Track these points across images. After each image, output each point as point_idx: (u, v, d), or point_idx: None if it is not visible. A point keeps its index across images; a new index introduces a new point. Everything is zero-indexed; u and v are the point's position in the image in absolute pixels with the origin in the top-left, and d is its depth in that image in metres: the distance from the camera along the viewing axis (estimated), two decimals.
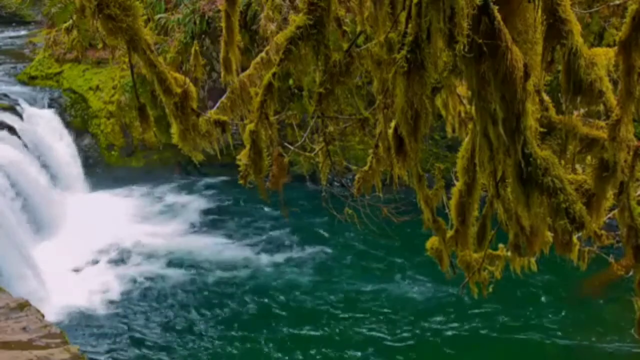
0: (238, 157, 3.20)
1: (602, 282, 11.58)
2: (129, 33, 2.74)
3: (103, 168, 17.25)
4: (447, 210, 3.43)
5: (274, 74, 3.04)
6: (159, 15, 16.59)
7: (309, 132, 3.77)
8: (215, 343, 11.17)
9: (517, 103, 2.43)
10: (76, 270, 13.32)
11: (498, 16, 2.36)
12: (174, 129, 3.09)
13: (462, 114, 3.55)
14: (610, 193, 2.97)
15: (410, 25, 2.40)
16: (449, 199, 3.40)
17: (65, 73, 18.21)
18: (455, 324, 11.32)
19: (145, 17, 2.82)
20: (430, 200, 3.49)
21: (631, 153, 2.84)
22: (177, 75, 3.01)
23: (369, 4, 2.82)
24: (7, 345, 7.58)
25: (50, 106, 17.42)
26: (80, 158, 16.97)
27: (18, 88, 17.77)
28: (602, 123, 2.98)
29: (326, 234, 14.21)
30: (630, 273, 3.16)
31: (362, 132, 3.96)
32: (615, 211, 3.00)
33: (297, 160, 4.13)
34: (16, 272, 11.83)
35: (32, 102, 16.99)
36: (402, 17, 2.54)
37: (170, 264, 13.53)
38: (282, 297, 12.37)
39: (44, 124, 16.61)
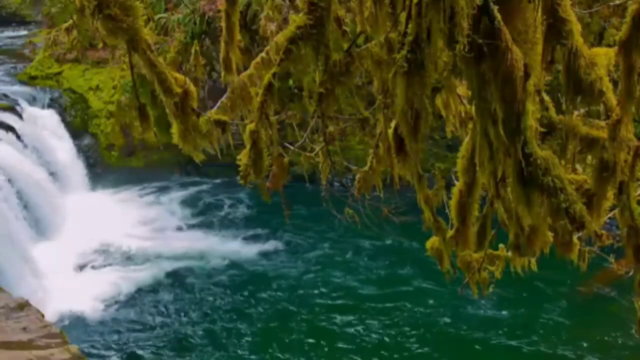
0: (238, 157, 3.20)
1: (602, 282, 11.58)
2: (129, 33, 2.73)
3: (103, 168, 17.25)
4: (447, 210, 3.43)
5: (274, 74, 3.03)
6: (159, 15, 16.59)
7: (309, 132, 3.77)
8: (215, 343, 11.17)
9: (517, 103, 2.43)
10: (76, 270, 13.33)
11: (498, 16, 2.36)
12: (174, 129, 3.09)
13: (462, 114, 3.54)
14: (610, 193, 2.96)
15: (410, 25, 2.40)
16: (449, 198, 3.39)
17: (65, 73, 18.21)
18: (456, 324, 11.31)
19: (145, 17, 2.81)
20: (430, 200, 3.48)
21: (631, 153, 2.84)
22: (177, 75, 3.00)
23: (369, 4, 2.82)
24: (7, 345, 7.58)
25: (50, 106, 17.43)
26: (80, 158, 16.97)
27: (18, 88, 17.77)
28: (602, 123, 2.98)
29: (326, 234, 14.21)
30: (631, 273, 3.16)
31: (362, 132, 3.96)
32: (616, 211, 3.00)
33: (297, 160, 4.13)
34: (16, 272, 11.83)
35: (32, 102, 16.99)
36: (402, 17, 2.54)
37: (171, 264, 13.53)
38: (282, 297, 12.37)
39: (44, 124, 16.61)
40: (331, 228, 13.98)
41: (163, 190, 16.75)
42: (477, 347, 10.82)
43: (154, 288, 12.74)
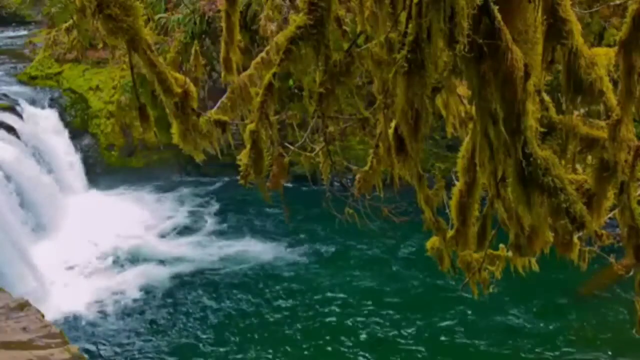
0: (238, 157, 3.20)
1: (603, 282, 11.58)
2: (129, 33, 2.74)
3: (103, 168, 17.25)
4: (447, 210, 3.43)
5: (274, 74, 3.04)
6: (159, 15, 16.60)
7: (309, 132, 3.77)
8: (214, 343, 11.17)
9: (518, 103, 2.43)
10: (76, 270, 13.32)
11: (498, 16, 2.36)
12: (175, 129, 3.10)
13: (463, 114, 3.55)
14: (610, 193, 2.97)
15: (410, 25, 2.40)
16: (449, 198, 3.40)
17: (65, 73, 18.21)
18: (456, 324, 11.31)
19: (145, 17, 2.82)
20: (430, 200, 3.49)
21: (631, 153, 2.84)
22: (177, 75, 3.01)
23: (369, 3, 2.82)
24: (7, 345, 7.58)
25: (50, 106, 17.42)
26: (80, 158, 16.97)
27: (18, 88, 17.76)
28: (603, 123, 2.98)
29: (326, 234, 14.20)
30: (631, 273, 3.16)
31: (362, 132, 3.97)
32: (616, 211, 3.00)
33: (297, 160, 4.13)
34: (16, 272, 11.83)
35: (32, 102, 16.99)
36: (403, 17, 2.54)
37: (170, 264, 13.52)
38: (281, 297, 12.36)
39: (44, 124, 16.61)
40: (331, 228, 13.96)
41: (163, 190, 16.75)
42: (473, 344, 10.82)
43: (154, 288, 12.73)
